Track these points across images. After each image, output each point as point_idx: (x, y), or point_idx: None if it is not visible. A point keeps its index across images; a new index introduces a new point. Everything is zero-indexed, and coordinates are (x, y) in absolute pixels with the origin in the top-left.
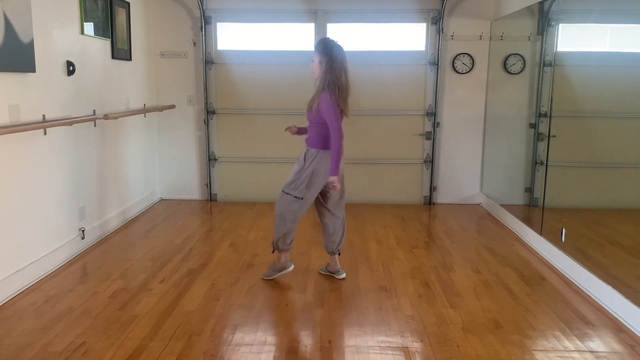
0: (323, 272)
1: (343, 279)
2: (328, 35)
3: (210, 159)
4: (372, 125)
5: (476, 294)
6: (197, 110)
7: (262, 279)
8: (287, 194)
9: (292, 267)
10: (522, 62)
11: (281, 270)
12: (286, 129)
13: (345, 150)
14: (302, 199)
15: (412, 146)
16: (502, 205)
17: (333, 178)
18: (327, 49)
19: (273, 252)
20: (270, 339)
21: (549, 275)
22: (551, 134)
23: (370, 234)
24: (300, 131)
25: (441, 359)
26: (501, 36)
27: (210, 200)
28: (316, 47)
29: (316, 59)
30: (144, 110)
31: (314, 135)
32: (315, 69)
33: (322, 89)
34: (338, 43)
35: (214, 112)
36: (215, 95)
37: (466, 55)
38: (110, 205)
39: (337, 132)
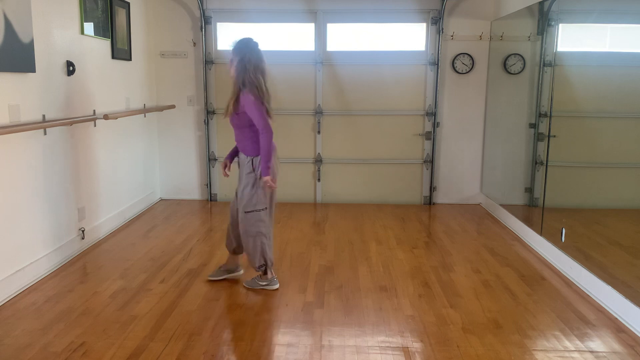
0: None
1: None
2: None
3: (210, 159)
4: (372, 125)
5: (476, 294)
6: (197, 110)
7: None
8: (251, 212)
9: (277, 286)
10: (522, 62)
11: (265, 286)
12: (225, 174)
13: (346, 150)
14: (265, 209)
15: (412, 146)
16: (502, 205)
17: (266, 178)
18: (240, 48)
19: (265, 273)
20: (270, 339)
21: (549, 275)
22: (551, 134)
23: (370, 234)
24: (231, 158)
25: (441, 359)
26: (501, 36)
27: (210, 200)
28: (232, 46)
29: (231, 57)
30: (144, 110)
31: (245, 140)
32: (230, 68)
33: (240, 89)
34: (255, 44)
35: (213, 112)
36: (215, 95)
37: (466, 55)
38: (110, 205)
39: (265, 131)
